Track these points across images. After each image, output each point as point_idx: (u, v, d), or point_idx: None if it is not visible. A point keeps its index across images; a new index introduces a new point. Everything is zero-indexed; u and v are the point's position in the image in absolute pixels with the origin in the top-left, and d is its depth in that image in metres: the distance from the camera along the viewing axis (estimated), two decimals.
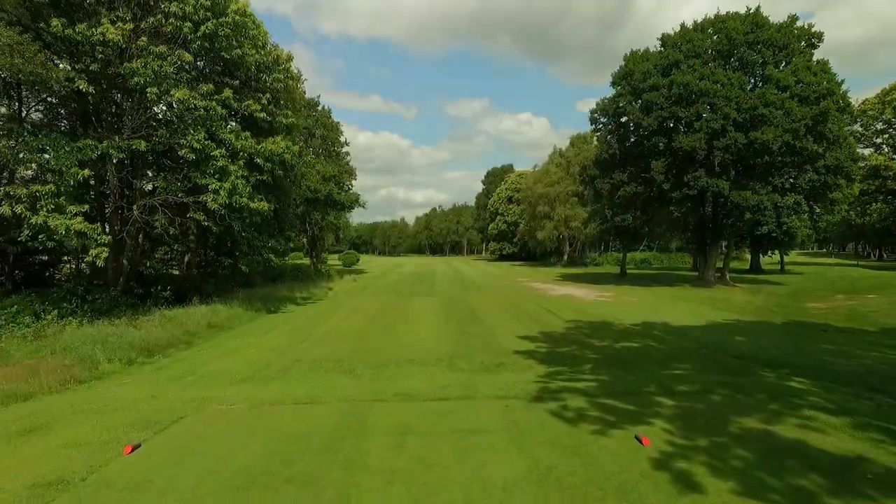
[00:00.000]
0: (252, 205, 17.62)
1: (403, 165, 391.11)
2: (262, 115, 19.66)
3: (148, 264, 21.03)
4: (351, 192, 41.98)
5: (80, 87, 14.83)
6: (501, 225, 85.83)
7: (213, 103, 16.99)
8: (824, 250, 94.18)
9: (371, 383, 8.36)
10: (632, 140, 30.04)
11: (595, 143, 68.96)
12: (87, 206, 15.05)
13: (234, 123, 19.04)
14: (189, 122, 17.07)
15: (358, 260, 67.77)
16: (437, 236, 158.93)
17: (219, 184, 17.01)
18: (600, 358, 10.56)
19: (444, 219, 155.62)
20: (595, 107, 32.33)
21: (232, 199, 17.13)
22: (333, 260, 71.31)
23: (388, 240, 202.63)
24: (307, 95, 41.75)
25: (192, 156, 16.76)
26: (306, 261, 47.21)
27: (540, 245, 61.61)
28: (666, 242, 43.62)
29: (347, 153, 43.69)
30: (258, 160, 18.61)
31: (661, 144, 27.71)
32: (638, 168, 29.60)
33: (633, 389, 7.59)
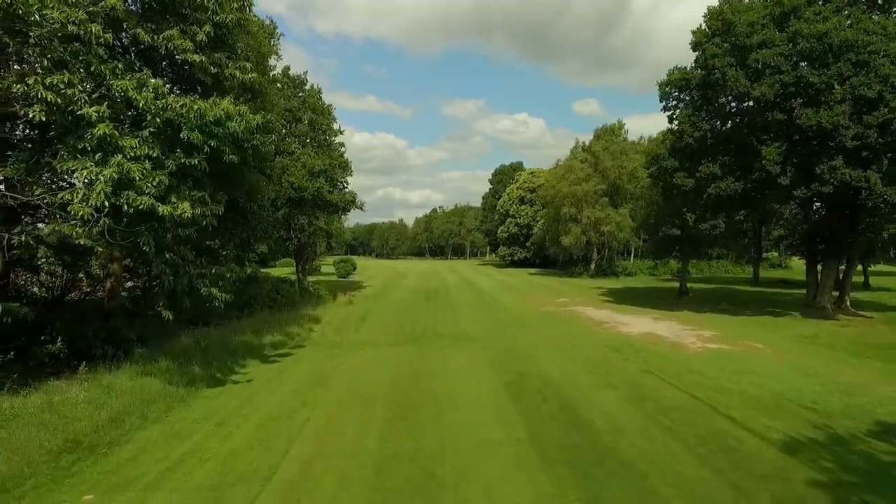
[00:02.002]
0: (164, 208, 9.65)
1: (400, 165, 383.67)
2: (198, 58, 11.74)
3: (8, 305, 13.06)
4: (346, 191, 34.05)
5: None
6: (512, 228, 77.95)
7: (82, 15, 9.05)
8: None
9: None
10: (727, 119, 22.21)
11: (624, 138, 61.15)
12: None
13: (145, 72, 11.07)
14: (36, 54, 9.17)
15: (354, 268, 59.79)
16: (438, 238, 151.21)
17: (95, 168, 9.09)
18: None
19: (446, 220, 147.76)
20: (666, 78, 24.51)
21: (121, 198, 9.20)
22: (327, 265, 63.32)
23: (385, 242, 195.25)
24: (292, 72, 33.88)
25: (42, 116, 8.85)
26: (294, 271, 39.04)
27: (564, 252, 53.79)
28: (736, 251, 35.91)
29: (342, 144, 35.68)
30: (186, 132, 10.69)
31: (776, 122, 19.92)
32: (736, 157, 21.78)
33: None
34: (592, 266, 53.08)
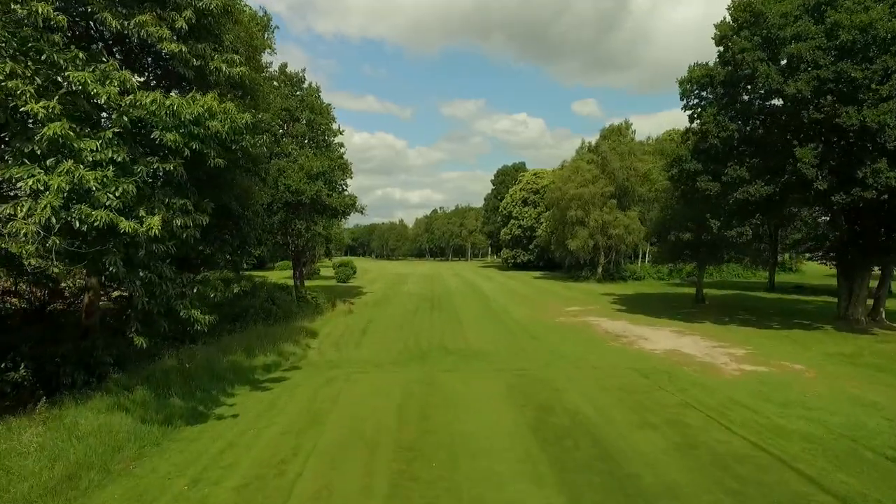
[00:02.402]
0: (126, 224, 8.11)
1: (399, 166, 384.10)
2: (176, 48, 10.26)
3: None
4: (346, 193, 32.49)
5: None
6: (516, 230, 76.44)
7: None
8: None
9: None
10: (755, 118, 20.66)
11: (631, 138, 59.52)
12: None
13: (110, 62, 9.51)
14: None
15: (354, 272, 58.25)
16: (438, 240, 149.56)
17: (44, 177, 7.57)
18: None
19: (447, 221, 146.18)
20: (686, 75, 23.02)
21: (73, 213, 7.68)
22: (326, 267, 61.80)
23: (385, 243, 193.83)
24: (289, 70, 32.38)
25: None
26: (292, 275, 37.28)
27: (570, 256, 52.26)
28: (751, 256, 34.08)
29: (341, 144, 34.14)
30: (158, 132, 9.16)
31: (812, 122, 18.43)
32: (764, 159, 20.24)
33: None
34: (599, 270, 51.55)
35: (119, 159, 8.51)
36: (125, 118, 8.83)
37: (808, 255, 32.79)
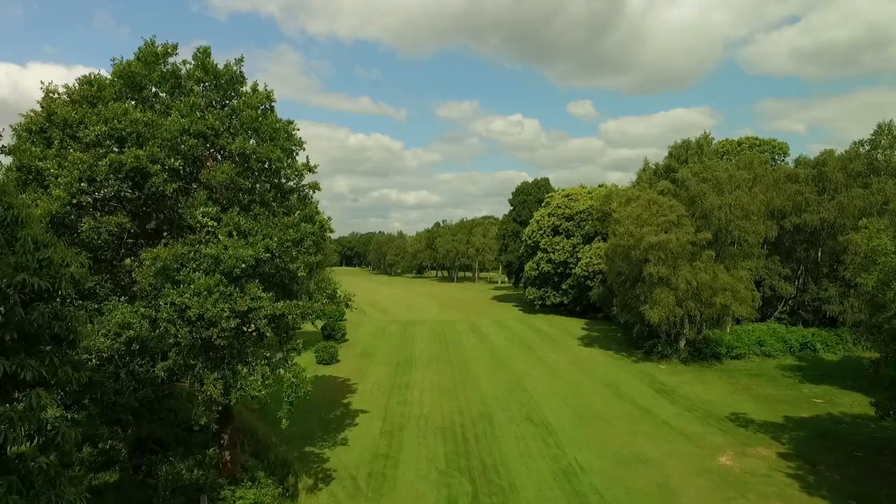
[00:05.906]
0: None
1: (395, 167, 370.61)
2: None
3: None
4: (322, 283, 17.98)
5: None
6: (544, 265, 61.78)
7: None
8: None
9: None
10: None
11: (712, 157, 44.72)
12: None
13: None
14: None
15: (343, 335, 43.59)
16: (442, 258, 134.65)
17: None
18: None
19: (451, 237, 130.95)
20: None
21: None
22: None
23: (383, 256, 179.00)
24: (213, 59, 17.63)
25: None
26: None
27: (644, 324, 37.69)
28: None
29: (314, 187, 19.49)
30: None
31: None
32: None
33: None
34: (683, 344, 37.06)
35: None
36: None
37: None
